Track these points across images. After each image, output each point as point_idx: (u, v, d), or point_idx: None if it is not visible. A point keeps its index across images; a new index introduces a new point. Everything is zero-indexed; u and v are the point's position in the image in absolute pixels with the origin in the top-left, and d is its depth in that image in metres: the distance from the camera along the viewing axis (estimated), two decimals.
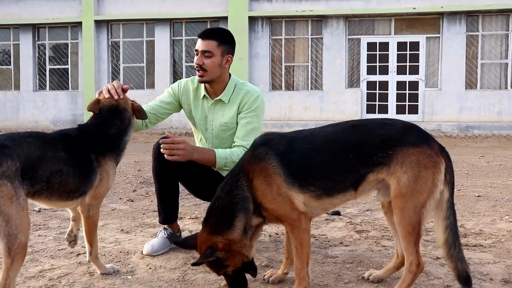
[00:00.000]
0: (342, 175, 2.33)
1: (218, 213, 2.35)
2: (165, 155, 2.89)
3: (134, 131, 3.06)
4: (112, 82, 2.84)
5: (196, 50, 3.11)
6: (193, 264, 2.34)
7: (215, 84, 3.18)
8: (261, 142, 2.41)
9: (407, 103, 14.64)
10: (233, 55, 3.20)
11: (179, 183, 3.26)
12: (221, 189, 2.40)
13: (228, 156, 3.02)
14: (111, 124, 2.68)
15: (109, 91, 2.74)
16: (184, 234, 3.60)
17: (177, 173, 3.15)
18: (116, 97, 2.73)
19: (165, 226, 3.32)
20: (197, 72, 3.14)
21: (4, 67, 16.95)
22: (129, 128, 2.77)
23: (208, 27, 15.30)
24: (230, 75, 3.23)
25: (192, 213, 4.34)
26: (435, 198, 2.28)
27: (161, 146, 2.90)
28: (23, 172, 2.17)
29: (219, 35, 3.13)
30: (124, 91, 2.81)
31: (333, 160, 2.34)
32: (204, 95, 3.22)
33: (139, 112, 2.81)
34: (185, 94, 3.28)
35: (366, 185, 2.34)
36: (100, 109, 2.71)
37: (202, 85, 3.24)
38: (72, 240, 2.82)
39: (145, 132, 14.23)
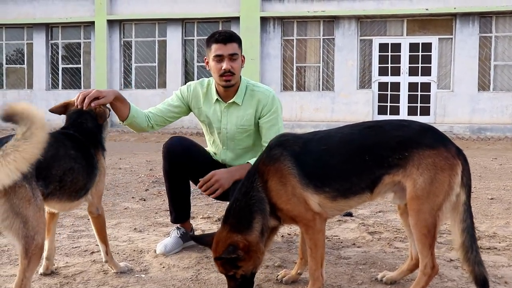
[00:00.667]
0: (358, 176, 2.33)
1: (236, 214, 2.35)
2: (210, 197, 3.00)
3: (138, 132, 3.20)
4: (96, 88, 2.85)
5: (220, 56, 3.04)
6: (216, 259, 2.32)
7: (232, 86, 3.16)
8: (276, 143, 2.41)
9: (419, 104, 14.57)
10: None
11: (191, 182, 3.28)
12: (238, 190, 2.41)
13: None
14: (86, 120, 2.70)
15: (78, 99, 2.72)
16: (197, 233, 3.61)
17: (187, 172, 3.16)
18: (80, 107, 2.72)
19: (178, 225, 3.33)
20: (222, 78, 3.08)
21: (18, 66, 17.13)
22: (103, 126, 2.78)
23: (220, 27, 15.40)
24: (240, 76, 3.21)
25: (205, 213, 4.35)
26: (451, 200, 2.27)
27: (201, 191, 3.01)
28: (38, 172, 2.18)
29: (236, 37, 3.10)
30: (97, 98, 2.75)
31: (349, 162, 2.34)
32: (217, 99, 3.20)
33: (100, 117, 2.76)
34: (194, 98, 3.26)
35: (382, 187, 2.33)
36: (68, 113, 2.74)
37: (213, 88, 3.20)
38: (49, 274, 2.79)
39: (156, 132, 14.29)
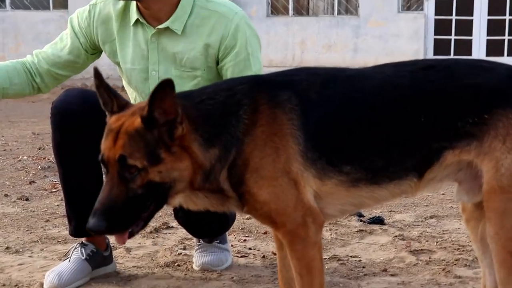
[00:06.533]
0: (402, 148, 2.37)
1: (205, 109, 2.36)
2: None
3: (17, 97, 3.39)
4: None
5: None
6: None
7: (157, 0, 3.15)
8: (285, 82, 2.41)
9: (506, 37, 14.63)
10: None
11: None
12: (214, 89, 2.44)
13: None
14: None
15: None
16: (118, 253, 3.64)
17: (94, 147, 3.13)
18: None
19: (83, 240, 3.34)
20: None
21: None
22: None
23: None
24: None
25: None
26: None
27: None
28: None
29: None
30: None
31: (392, 123, 2.37)
32: (138, 20, 3.20)
33: None
34: (103, 26, 3.28)
35: (439, 170, 2.38)
36: None
37: (133, 4, 3.19)
38: None
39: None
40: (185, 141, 2.25)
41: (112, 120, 2.32)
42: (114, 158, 2.23)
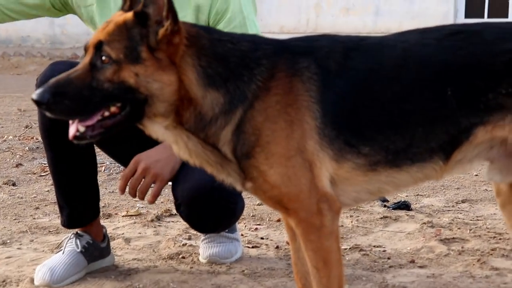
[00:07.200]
0: (427, 127, 2.34)
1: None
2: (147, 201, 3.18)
3: None
4: None
5: None
6: None
7: None
8: (305, 48, 2.40)
9: None
10: None
11: (95, 147, 3.29)
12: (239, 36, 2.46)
13: None
14: None
15: None
16: (117, 244, 3.63)
17: None
18: None
19: (77, 231, 3.31)
20: None
21: None
22: None
23: None
24: None
25: (131, 206, 4.37)
26: None
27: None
28: None
29: None
30: None
31: (415, 97, 2.34)
32: None
33: None
34: None
35: (469, 150, 2.36)
36: None
37: None
38: None
39: (38, 55, 14.22)
40: (177, 57, 2.25)
41: (114, 15, 2.36)
42: (93, 44, 2.25)
